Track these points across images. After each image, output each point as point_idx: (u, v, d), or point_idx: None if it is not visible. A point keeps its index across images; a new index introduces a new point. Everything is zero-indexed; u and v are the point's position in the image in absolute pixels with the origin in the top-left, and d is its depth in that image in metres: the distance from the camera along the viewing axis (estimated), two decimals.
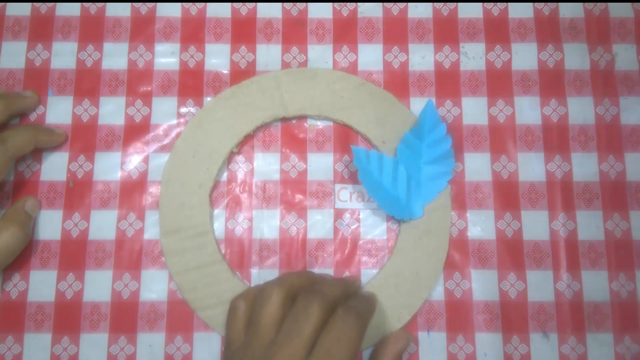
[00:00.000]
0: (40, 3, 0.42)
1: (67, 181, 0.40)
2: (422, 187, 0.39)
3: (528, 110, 0.41)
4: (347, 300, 0.33)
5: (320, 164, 0.40)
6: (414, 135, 0.39)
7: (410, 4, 0.42)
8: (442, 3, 0.42)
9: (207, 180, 0.39)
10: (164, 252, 0.38)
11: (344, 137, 0.41)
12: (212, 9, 0.42)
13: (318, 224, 0.39)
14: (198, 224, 0.38)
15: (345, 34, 0.42)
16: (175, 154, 0.40)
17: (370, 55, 0.42)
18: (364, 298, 0.35)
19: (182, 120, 0.41)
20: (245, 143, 0.41)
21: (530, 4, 0.43)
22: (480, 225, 0.39)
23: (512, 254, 0.39)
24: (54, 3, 0.42)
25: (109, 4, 0.42)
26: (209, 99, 0.41)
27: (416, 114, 0.40)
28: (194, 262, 0.38)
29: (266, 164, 0.40)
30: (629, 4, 0.43)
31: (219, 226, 0.39)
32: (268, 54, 0.42)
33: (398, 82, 0.41)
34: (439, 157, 0.39)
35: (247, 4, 0.42)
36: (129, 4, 0.42)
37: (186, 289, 0.38)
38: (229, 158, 0.40)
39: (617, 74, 0.41)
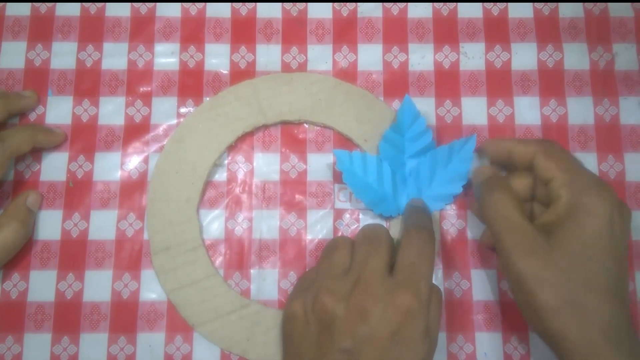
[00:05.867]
0: (40, 3, 0.42)
1: (67, 181, 0.40)
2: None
3: (527, 110, 0.41)
4: (406, 219, 0.36)
5: (320, 164, 0.40)
6: (394, 131, 0.39)
7: (410, 4, 0.42)
8: (442, 3, 0.42)
9: (193, 195, 0.39)
10: (156, 271, 0.38)
11: (344, 138, 0.41)
12: (212, 9, 0.42)
13: (318, 224, 0.39)
14: (188, 240, 0.38)
15: (345, 34, 0.42)
16: (158, 172, 0.39)
17: (370, 55, 0.42)
18: (421, 211, 0.37)
19: (182, 120, 0.41)
20: (245, 143, 0.41)
21: (530, 4, 0.42)
22: (480, 225, 0.39)
23: None
24: (54, 3, 0.42)
25: (109, 4, 0.42)
26: (208, 98, 0.41)
27: (396, 110, 0.40)
28: (188, 279, 0.38)
29: (266, 164, 0.40)
30: (629, 4, 0.43)
31: (219, 226, 0.39)
32: (268, 54, 0.42)
33: (398, 82, 0.41)
34: (422, 151, 0.39)
35: (247, 4, 0.42)
36: (128, 4, 0.42)
37: (182, 306, 0.38)
38: (231, 151, 0.40)
39: (617, 73, 0.41)
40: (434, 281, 0.38)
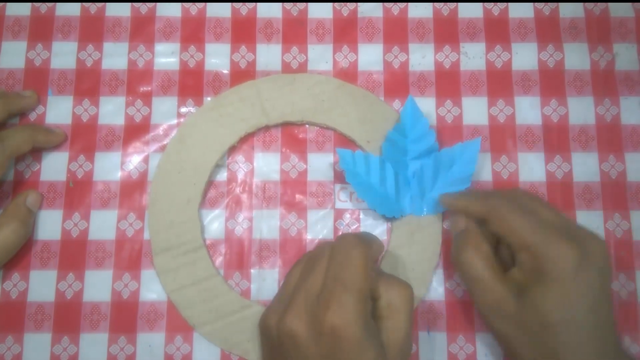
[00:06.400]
0: (40, 3, 0.42)
1: (67, 181, 0.39)
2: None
3: (528, 110, 0.41)
4: None
5: (320, 164, 0.40)
6: (397, 132, 0.39)
7: (410, 4, 0.42)
8: (442, 3, 0.42)
9: (195, 195, 0.39)
10: (158, 271, 0.38)
11: (345, 138, 0.41)
12: (212, 9, 0.42)
13: (318, 224, 0.39)
14: (189, 240, 0.38)
15: (345, 34, 0.42)
16: (160, 171, 0.39)
17: (371, 55, 0.42)
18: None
19: (182, 120, 0.41)
20: (245, 143, 0.41)
21: (530, 4, 0.42)
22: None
23: None
24: (54, 3, 0.42)
25: (109, 4, 0.42)
26: (209, 98, 0.41)
27: (398, 111, 0.40)
28: (189, 279, 0.38)
29: (266, 164, 0.40)
30: (629, 4, 0.43)
31: (219, 226, 0.39)
32: (268, 54, 0.42)
33: (398, 82, 0.41)
34: (425, 153, 0.39)
35: (247, 4, 0.42)
36: (129, 4, 0.42)
37: (183, 306, 0.38)
38: (231, 151, 0.40)
39: (617, 73, 0.41)
40: (434, 282, 0.38)
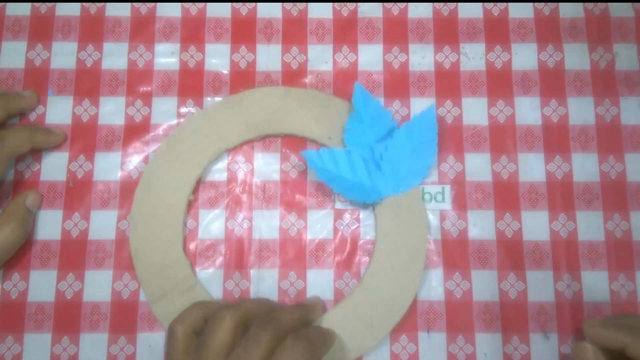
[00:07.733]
0: (40, 3, 0.42)
1: (67, 181, 0.40)
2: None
3: (528, 110, 0.41)
4: (301, 330, 0.33)
5: None
6: (353, 120, 0.39)
7: (410, 4, 0.42)
8: (442, 3, 0.42)
9: (175, 236, 0.38)
10: (159, 319, 0.37)
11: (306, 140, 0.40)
12: (212, 9, 0.42)
13: (318, 224, 0.39)
14: (182, 280, 0.38)
15: (345, 34, 0.42)
16: (134, 221, 0.39)
17: (371, 56, 0.42)
18: (320, 329, 0.35)
19: (182, 120, 0.41)
20: (245, 143, 0.41)
21: (530, 4, 0.42)
22: (480, 226, 0.39)
23: (512, 254, 0.39)
24: (54, 3, 0.42)
25: (109, 4, 0.42)
26: (209, 99, 0.41)
27: (353, 103, 0.40)
28: None
29: (266, 164, 0.40)
30: (629, 4, 0.43)
31: (218, 226, 0.39)
32: (268, 54, 0.42)
33: (398, 82, 0.41)
34: (386, 133, 0.39)
35: (247, 4, 0.42)
36: (129, 4, 0.42)
37: None
38: (231, 151, 0.40)
39: (617, 74, 0.41)
40: (434, 282, 0.38)
